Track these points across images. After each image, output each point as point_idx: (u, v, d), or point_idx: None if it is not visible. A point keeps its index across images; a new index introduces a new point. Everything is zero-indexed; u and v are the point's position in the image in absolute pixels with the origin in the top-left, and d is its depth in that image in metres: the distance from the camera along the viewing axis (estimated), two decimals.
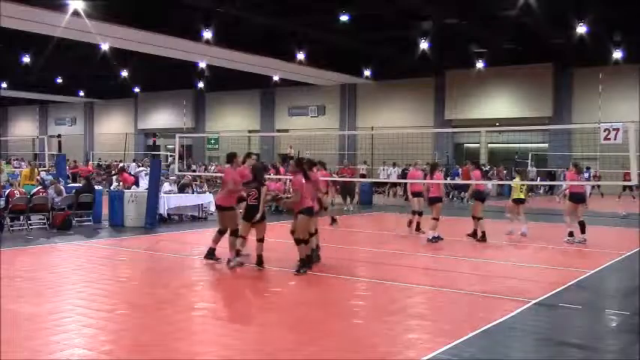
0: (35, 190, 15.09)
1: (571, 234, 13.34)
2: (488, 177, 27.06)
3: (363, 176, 32.08)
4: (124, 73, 38.26)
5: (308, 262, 9.54)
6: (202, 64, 35.36)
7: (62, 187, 15.52)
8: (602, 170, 29.48)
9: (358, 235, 15.87)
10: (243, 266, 9.78)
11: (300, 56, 30.71)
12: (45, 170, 22.28)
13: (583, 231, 13.33)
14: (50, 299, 7.70)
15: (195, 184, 18.98)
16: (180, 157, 24.15)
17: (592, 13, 24.10)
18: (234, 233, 9.88)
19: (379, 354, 5.85)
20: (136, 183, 19.55)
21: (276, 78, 38.97)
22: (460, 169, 29.67)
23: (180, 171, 21.45)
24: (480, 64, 33.78)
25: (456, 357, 5.71)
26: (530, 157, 32.04)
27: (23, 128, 56.18)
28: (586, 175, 25.64)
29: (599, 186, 29.12)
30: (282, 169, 21.48)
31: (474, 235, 13.71)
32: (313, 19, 26.50)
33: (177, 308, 7.35)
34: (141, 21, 24.40)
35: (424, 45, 27.81)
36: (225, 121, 45.54)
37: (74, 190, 15.84)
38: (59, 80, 43.25)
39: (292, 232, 9.64)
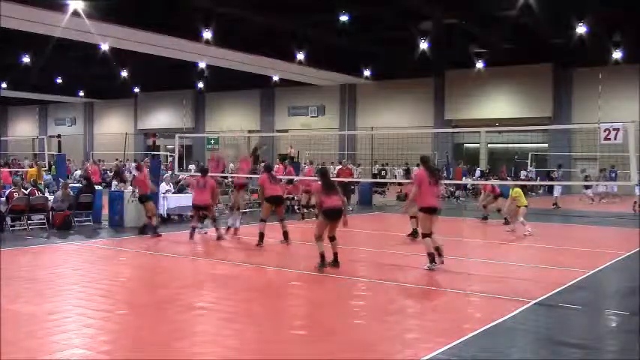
0: (30, 189, 15.12)
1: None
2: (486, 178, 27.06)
3: (374, 176, 32.15)
4: (124, 73, 38.28)
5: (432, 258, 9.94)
6: (202, 64, 35.37)
7: (70, 192, 15.32)
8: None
9: (358, 235, 15.85)
10: None
11: (300, 56, 30.73)
12: (45, 170, 22.24)
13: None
14: (50, 299, 7.70)
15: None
16: (180, 158, 24.14)
17: (592, 13, 24.11)
18: None
19: (379, 354, 5.85)
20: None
21: (276, 78, 38.98)
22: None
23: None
24: (479, 64, 33.78)
25: (456, 357, 5.70)
26: (530, 158, 32.04)
27: (23, 128, 56.17)
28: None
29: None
30: (291, 169, 21.49)
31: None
32: (313, 19, 26.52)
33: (177, 308, 7.34)
34: (141, 21, 24.41)
35: (424, 45, 27.81)
36: (225, 121, 45.53)
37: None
38: (59, 80, 43.26)
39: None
